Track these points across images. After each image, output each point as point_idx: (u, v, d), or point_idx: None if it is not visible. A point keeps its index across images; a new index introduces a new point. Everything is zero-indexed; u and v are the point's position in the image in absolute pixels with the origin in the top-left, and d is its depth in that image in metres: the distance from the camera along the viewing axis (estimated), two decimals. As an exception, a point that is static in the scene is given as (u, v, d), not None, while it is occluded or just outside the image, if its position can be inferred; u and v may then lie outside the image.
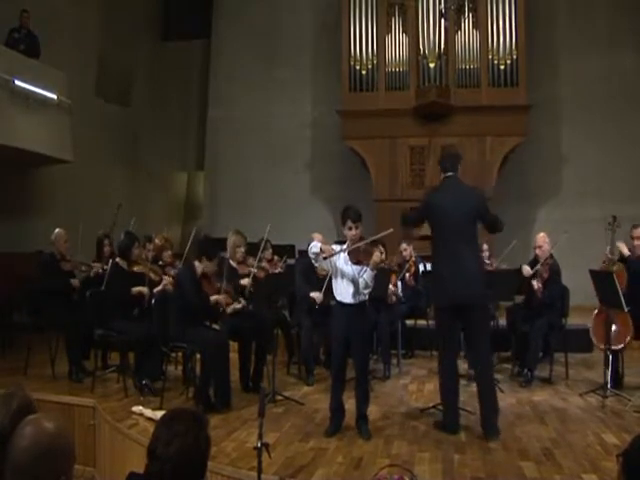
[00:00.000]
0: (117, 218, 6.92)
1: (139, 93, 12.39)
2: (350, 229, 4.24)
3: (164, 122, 12.43)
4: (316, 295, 5.79)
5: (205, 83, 12.47)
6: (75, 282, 6.19)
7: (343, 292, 4.31)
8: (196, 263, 5.27)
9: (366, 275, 4.23)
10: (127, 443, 4.34)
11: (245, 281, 5.67)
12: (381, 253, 6.52)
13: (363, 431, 4.29)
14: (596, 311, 5.73)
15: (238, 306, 5.57)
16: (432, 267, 4.60)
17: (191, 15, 12.83)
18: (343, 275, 4.28)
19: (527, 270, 5.94)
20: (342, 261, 4.28)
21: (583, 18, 10.71)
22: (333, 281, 4.39)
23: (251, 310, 5.80)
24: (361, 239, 4.20)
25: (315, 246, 4.28)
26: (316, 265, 4.47)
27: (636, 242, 5.49)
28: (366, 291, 4.30)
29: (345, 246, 4.25)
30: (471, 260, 4.39)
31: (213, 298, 5.24)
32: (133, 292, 5.76)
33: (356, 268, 4.22)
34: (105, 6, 11.21)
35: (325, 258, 4.22)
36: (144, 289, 5.78)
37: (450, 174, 4.52)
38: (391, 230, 4.27)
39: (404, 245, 7.19)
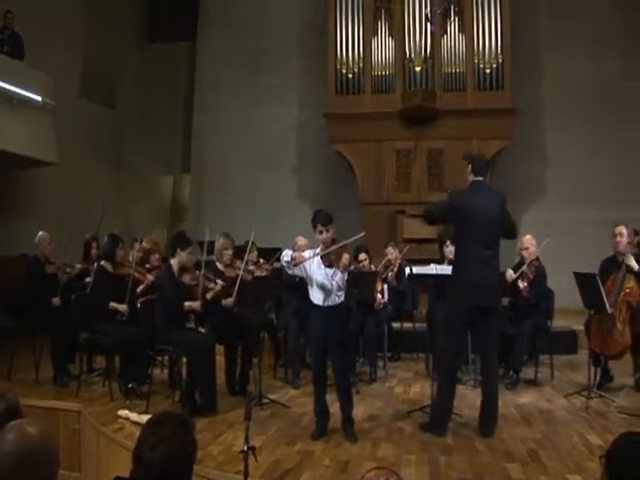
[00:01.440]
0: (102, 221, 6.86)
1: (125, 95, 12.33)
2: (321, 233, 4.29)
3: (150, 124, 12.36)
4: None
5: (191, 85, 12.39)
6: (56, 301, 6.08)
7: (318, 296, 4.35)
8: (172, 261, 5.26)
9: (337, 278, 4.29)
10: (113, 447, 4.30)
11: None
12: (364, 260, 6.56)
13: (349, 434, 4.30)
14: (592, 312, 5.55)
15: (218, 287, 5.46)
16: (455, 268, 4.61)
17: (177, 17, 12.78)
18: (317, 279, 4.33)
19: (510, 274, 5.97)
20: (316, 265, 4.32)
21: (567, 21, 10.78)
22: (308, 286, 4.44)
23: (237, 313, 5.77)
24: (333, 242, 4.25)
25: (286, 254, 4.35)
26: (289, 272, 4.51)
27: (618, 238, 5.56)
28: (340, 293, 4.34)
29: (318, 250, 4.30)
30: (494, 264, 4.47)
31: (187, 304, 5.18)
32: (110, 308, 5.70)
33: (329, 271, 4.28)
34: (90, 7, 11.15)
35: (295, 265, 4.28)
36: (123, 307, 5.71)
37: (480, 178, 4.58)
38: (363, 234, 4.43)
39: (390, 248, 7.21)
